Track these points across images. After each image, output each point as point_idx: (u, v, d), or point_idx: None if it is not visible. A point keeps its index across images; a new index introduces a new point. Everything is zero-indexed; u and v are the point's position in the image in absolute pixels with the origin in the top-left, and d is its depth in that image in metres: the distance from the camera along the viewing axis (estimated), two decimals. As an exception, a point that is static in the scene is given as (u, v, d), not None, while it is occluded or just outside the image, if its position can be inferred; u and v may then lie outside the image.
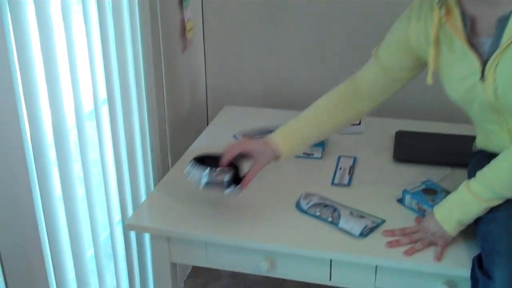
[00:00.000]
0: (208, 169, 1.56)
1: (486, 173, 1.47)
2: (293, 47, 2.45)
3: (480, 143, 1.69)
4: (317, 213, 1.62)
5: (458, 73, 1.51)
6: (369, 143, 2.08)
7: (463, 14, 1.46)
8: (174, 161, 2.02)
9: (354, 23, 2.35)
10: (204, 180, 1.56)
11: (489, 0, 1.42)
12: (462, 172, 1.79)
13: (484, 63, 1.45)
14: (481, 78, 1.45)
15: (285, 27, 2.43)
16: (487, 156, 1.53)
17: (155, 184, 2.07)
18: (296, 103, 2.45)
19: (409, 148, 2.00)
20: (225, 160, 1.60)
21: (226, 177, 1.56)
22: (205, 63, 2.56)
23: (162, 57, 2.07)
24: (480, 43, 1.46)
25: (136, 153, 1.95)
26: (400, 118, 2.28)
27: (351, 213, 1.60)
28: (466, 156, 1.82)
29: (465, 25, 1.46)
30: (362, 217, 1.59)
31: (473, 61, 1.46)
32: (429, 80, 1.53)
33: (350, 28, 2.36)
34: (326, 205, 1.64)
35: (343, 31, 2.37)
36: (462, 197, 1.48)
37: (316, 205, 1.65)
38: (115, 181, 1.85)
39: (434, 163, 1.90)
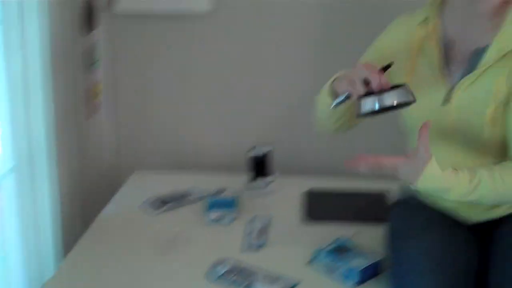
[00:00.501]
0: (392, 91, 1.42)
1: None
2: (206, 109, 2.46)
3: None
4: (231, 280, 1.60)
5: (425, 92, 1.54)
6: (280, 203, 2.09)
7: (444, 37, 1.55)
8: (82, 231, 1.95)
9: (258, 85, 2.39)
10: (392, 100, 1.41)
11: (470, 29, 1.53)
12: (373, 229, 1.82)
13: (451, 88, 1.52)
14: (444, 102, 1.52)
15: (198, 88, 2.44)
16: (410, 207, 1.56)
17: (64, 256, 1.99)
18: (211, 165, 2.44)
19: (320, 206, 2.03)
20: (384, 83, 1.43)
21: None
22: (115, 127, 2.52)
23: (70, 122, 2.02)
24: (452, 68, 1.54)
25: (44, 225, 1.88)
26: (311, 175, 2.31)
27: (264, 277, 1.59)
28: (377, 211, 1.85)
29: (443, 47, 1.54)
30: (275, 280, 1.58)
31: (442, 84, 1.53)
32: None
33: (256, 92, 2.40)
34: (239, 271, 1.63)
35: (248, 93, 2.41)
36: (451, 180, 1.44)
37: (229, 271, 1.62)
38: (21, 258, 1.77)
39: (345, 220, 1.93)
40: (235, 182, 2.16)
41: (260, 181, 2.13)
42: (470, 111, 1.51)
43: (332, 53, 2.28)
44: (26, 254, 1.78)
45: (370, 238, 1.53)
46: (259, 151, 2.12)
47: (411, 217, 1.59)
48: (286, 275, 1.62)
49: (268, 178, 2.14)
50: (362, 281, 1.58)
